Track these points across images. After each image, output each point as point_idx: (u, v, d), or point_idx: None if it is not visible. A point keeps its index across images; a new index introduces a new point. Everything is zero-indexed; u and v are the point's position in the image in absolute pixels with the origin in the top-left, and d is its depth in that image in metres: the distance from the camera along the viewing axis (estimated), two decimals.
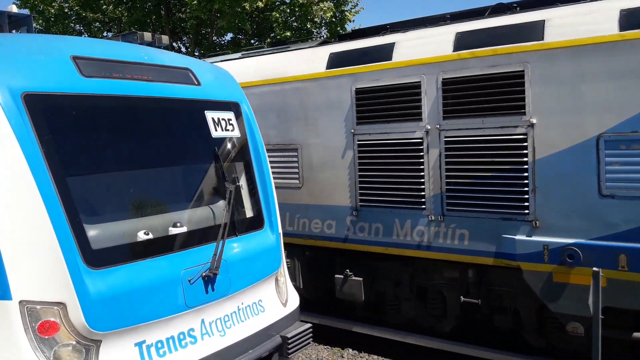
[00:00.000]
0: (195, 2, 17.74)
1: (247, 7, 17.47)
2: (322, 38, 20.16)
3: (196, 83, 5.25)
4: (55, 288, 3.73)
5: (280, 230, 5.73)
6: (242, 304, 5.04)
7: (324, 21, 19.80)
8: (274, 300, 5.47)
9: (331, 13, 19.34)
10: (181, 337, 4.41)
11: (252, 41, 21.00)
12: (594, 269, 5.62)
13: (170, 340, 4.34)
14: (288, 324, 5.46)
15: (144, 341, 4.15)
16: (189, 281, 4.45)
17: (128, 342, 4.06)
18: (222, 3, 17.28)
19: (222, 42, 21.61)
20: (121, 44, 5.37)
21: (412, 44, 6.98)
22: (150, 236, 4.39)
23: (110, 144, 4.43)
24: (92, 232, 4.04)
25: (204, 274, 4.55)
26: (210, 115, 5.20)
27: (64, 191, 3.89)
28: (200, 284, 4.54)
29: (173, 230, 4.59)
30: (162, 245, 4.49)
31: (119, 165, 4.51)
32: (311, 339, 5.61)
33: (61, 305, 3.75)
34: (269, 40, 19.96)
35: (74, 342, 3.79)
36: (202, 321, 4.61)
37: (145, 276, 4.22)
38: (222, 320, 4.77)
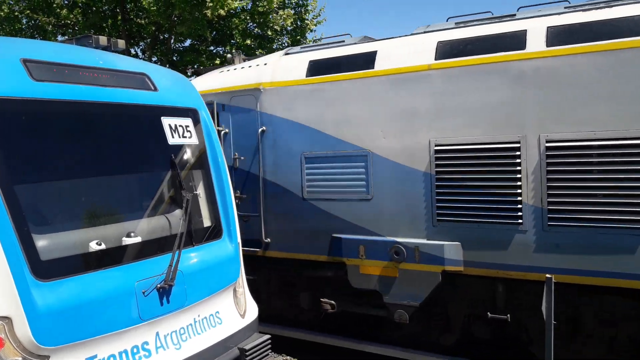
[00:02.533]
0: (155, 7, 17.47)
1: (208, 14, 17.32)
2: (283, 46, 20.20)
3: (153, 89, 5.14)
4: (0, 301, 3.55)
5: (239, 240, 5.65)
6: (199, 316, 4.92)
7: (284, 29, 19.79)
8: (232, 311, 5.37)
9: (291, 20, 19.36)
10: (135, 350, 4.28)
11: (212, 48, 20.81)
12: (547, 275, 5.76)
13: (124, 354, 4.19)
14: (246, 335, 5.38)
15: (95, 356, 4.01)
16: (143, 293, 4.33)
17: (78, 357, 3.90)
18: (182, 9, 17.09)
19: (181, 48, 21.34)
20: (75, 48, 5.21)
21: None
22: (103, 246, 4.25)
23: (61, 151, 4.28)
24: (41, 242, 3.88)
25: (158, 285, 4.43)
26: (166, 121, 5.09)
27: (11, 199, 3.72)
28: (154, 296, 4.41)
29: (127, 241, 4.45)
30: (115, 255, 4.35)
31: (71, 173, 4.36)
32: (270, 351, 5.53)
33: (6, 319, 3.57)
34: (229, 47, 19.81)
35: (20, 359, 3.61)
36: (157, 334, 4.48)
37: (97, 288, 4.07)
38: (177, 333, 4.64)
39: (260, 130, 7.75)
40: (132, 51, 21.21)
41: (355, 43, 7.58)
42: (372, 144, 6.96)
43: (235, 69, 8.52)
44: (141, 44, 22.01)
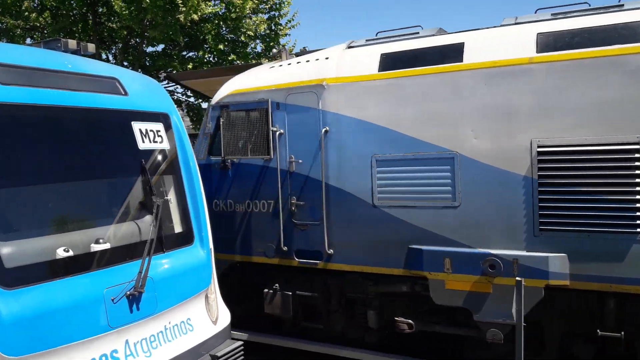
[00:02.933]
0: (127, 12, 17.28)
1: (181, 19, 17.19)
2: (257, 51, 20.14)
3: (123, 93, 5.08)
4: None
5: (211, 246, 5.60)
6: (170, 323, 4.86)
7: (258, 34, 19.75)
8: (203, 318, 5.31)
9: (265, 26, 19.33)
10: (103, 359, 4.19)
11: (184, 53, 20.66)
12: (517, 278, 5.76)
13: None
14: (218, 342, 5.32)
15: None
16: (112, 300, 4.26)
17: None
18: (155, 13, 16.93)
19: (153, 54, 21.12)
20: (43, 51, 5.12)
21: None
22: (71, 253, 4.17)
23: (29, 156, 4.18)
24: (5, 249, 3.79)
25: (128, 292, 4.36)
26: (137, 126, 5.03)
27: None
28: (124, 303, 4.34)
29: (95, 247, 4.38)
30: (84, 262, 4.27)
31: (38, 178, 4.27)
32: (242, 357, 5.49)
33: None
34: (201, 52, 19.67)
35: None
36: (126, 342, 4.40)
37: (64, 296, 3.99)
38: (147, 340, 4.57)
39: (323, 130, 6.98)
40: (104, 55, 20.93)
41: (432, 35, 6.92)
42: (461, 144, 6.24)
43: (289, 64, 7.68)
44: (113, 48, 21.73)
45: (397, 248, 6.62)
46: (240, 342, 5.44)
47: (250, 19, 19.00)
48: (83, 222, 4.55)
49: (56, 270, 4.06)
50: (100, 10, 20.10)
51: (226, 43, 19.29)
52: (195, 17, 17.31)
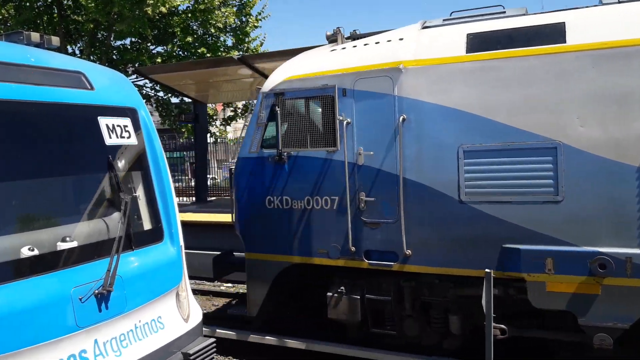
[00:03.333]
0: (93, 4, 16.93)
1: (148, 12, 16.92)
2: (227, 45, 19.99)
3: (89, 87, 4.96)
4: None
5: (182, 243, 5.54)
6: (140, 321, 4.78)
7: (227, 26, 19.59)
8: (174, 316, 5.25)
9: (234, 18, 19.18)
10: (72, 359, 4.12)
11: (152, 47, 20.36)
12: (486, 270, 5.64)
13: None
14: (190, 340, 5.26)
15: None
16: (80, 299, 4.16)
17: None
18: (122, 6, 16.63)
19: (121, 47, 20.75)
20: (4, 44, 4.96)
21: None
22: (36, 252, 4.06)
23: None
24: None
25: (96, 291, 4.27)
26: (104, 121, 4.92)
27: None
28: (92, 302, 4.25)
29: (62, 245, 4.27)
30: (50, 261, 4.16)
31: (1, 175, 4.14)
32: (215, 354, 5.45)
33: None
34: (170, 46, 19.41)
35: None
36: (95, 341, 4.31)
37: (30, 296, 3.88)
38: (117, 339, 4.49)
39: (400, 118, 6.39)
40: (69, 49, 20.49)
41: (523, 14, 6.45)
42: (564, 133, 5.74)
43: (354, 47, 7.06)
44: (79, 41, 21.28)
45: (487, 248, 6.12)
46: (213, 340, 5.40)
47: (220, 10, 18.83)
48: (49, 220, 4.44)
49: (21, 270, 3.94)
50: (65, 2, 19.66)
51: (195, 36, 19.10)
52: (163, 9, 17.09)
